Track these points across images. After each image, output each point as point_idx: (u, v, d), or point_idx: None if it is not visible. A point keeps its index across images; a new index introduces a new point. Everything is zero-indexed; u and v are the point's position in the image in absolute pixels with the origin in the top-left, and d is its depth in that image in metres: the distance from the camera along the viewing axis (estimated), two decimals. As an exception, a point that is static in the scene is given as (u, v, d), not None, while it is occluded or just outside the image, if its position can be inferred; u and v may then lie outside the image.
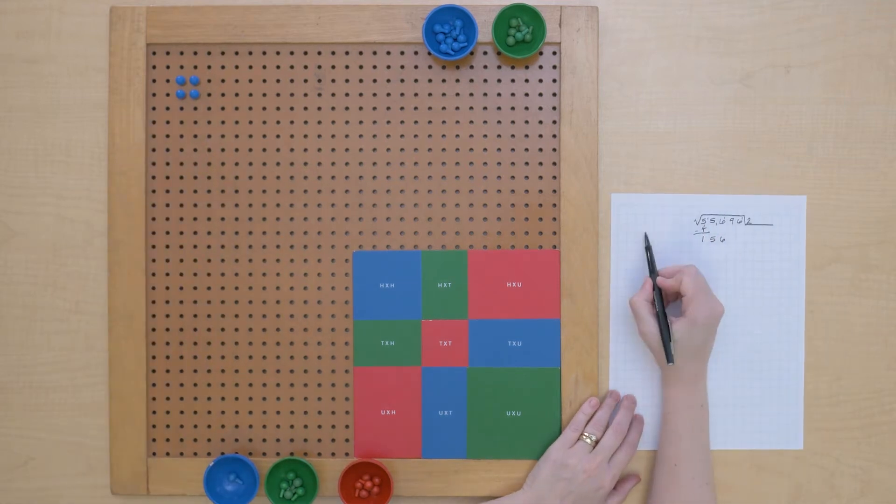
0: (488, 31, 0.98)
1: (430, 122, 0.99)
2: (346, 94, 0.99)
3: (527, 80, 0.99)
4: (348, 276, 0.99)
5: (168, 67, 0.99)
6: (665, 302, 0.96)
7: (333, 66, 0.99)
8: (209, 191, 1.00)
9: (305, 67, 0.99)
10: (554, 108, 0.99)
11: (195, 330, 1.00)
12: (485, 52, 0.99)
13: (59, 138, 1.01)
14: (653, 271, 0.97)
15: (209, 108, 0.99)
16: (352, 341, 0.99)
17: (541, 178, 0.99)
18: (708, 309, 0.93)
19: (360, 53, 0.99)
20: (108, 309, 1.00)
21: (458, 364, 0.99)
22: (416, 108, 0.99)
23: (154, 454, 1.00)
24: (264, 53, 0.99)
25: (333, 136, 0.99)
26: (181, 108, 0.99)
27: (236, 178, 0.99)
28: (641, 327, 0.95)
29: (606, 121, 1.00)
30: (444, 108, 0.99)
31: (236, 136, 0.99)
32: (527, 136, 0.99)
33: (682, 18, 1.00)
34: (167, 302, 1.00)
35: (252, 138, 0.99)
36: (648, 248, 0.98)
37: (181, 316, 1.00)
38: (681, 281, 0.93)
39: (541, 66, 0.99)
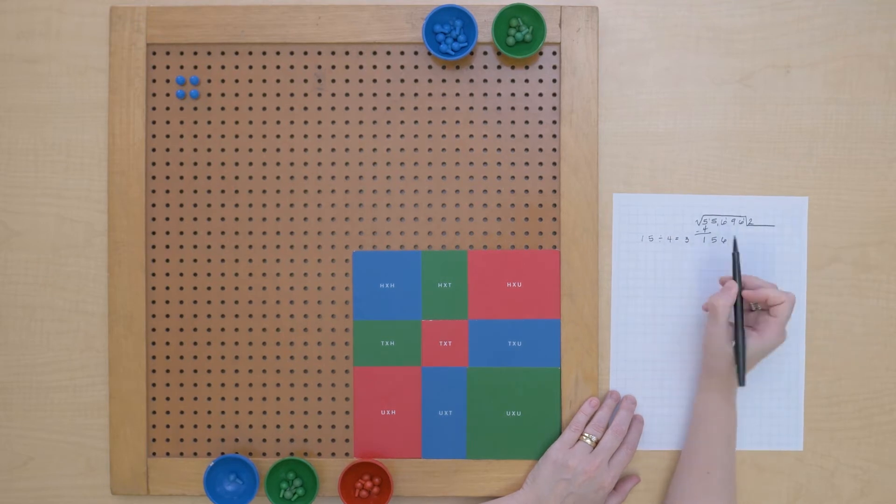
0: (488, 31, 0.98)
1: (430, 122, 0.99)
2: (346, 94, 0.99)
3: (527, 80, 0.99)
4: (348, 276, 0.99)
5: (168, 67, 0.99)
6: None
7: (333, 66, 0.99)
8: (209, 191, 1.00)
9: (305, 67, 0.99)
10: (554, 108, 0.99)
11: (195, 330, 1.00)
12: (485, 52, 0.99)
13: (59, 138, 1.01)
14: (738, 278, 0.95)
15: (209, 108, 0.99)
16: (352, 341, 0.99)
17: (541, 178, 0.99)
18: (781, 337, 0.93)
19: (360, 53, 0.99)
20: (108, 309, 1.00)
21: (458, 364, 0.99)
22: (416, 108, 0.99)
23: (154, 454, 1.00)
24: (264, 53, 0.99)
25: (333, 136, 0.99)
26: (181, 109, 0.99)
27: (236, 178, 0.99)
28: (712, 329, 0.93)
29: (606, 121, 1.00)
30: (444, 108, 0.99)
31: (236, 136, 0.99)
32: (527, 136, 0.99)
33: (682, 18, 1.00)
34: (167, 302, 1.00)
35: (252, 138, 0.99)
36: (736, 254, 0.96)
37: (181, 316, 1.00)
38: (775, 302, 0.92)
39: (541, 67, 0.99)
